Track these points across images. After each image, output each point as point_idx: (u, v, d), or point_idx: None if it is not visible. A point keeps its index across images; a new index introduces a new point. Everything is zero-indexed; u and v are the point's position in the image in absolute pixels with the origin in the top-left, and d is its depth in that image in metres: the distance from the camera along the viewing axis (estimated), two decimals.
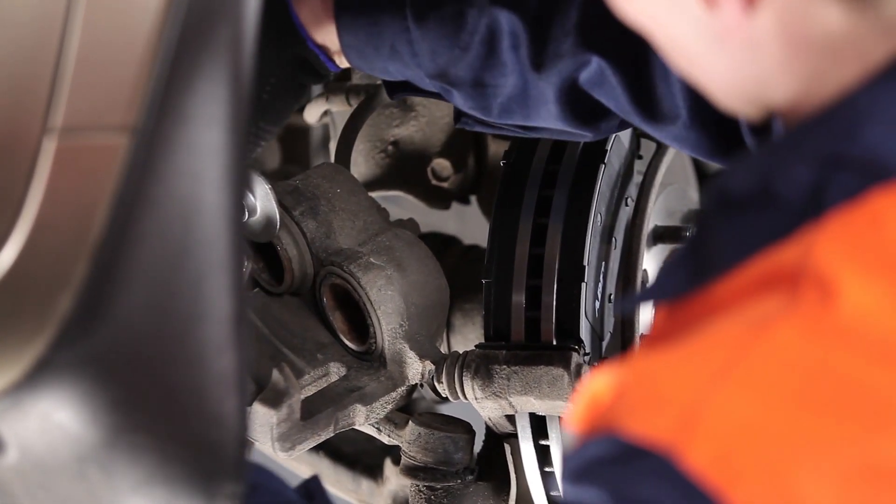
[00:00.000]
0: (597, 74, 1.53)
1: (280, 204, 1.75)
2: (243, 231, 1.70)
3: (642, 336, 1.82)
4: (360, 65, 1.60)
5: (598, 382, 0.97)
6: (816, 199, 0.96)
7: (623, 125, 1.62)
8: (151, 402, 1.17)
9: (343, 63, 1.62)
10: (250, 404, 1.61)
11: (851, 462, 0.89)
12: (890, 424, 0.90)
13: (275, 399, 1.62)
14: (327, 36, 1.59)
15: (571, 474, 0.94)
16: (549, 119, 1.59)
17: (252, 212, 1.73)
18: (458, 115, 1.66)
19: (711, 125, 1.53)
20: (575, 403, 0.99)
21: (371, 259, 1.74)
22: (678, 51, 1.07)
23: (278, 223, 1.72)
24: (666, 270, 1.06)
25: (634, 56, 1.52)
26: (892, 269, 0.93)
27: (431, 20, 1.55)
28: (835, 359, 0.91)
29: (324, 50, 1.60)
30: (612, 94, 1.54)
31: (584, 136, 1.63)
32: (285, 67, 1.59)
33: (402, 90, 1.65)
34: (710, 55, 1.03)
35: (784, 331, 0.91)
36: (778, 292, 0.93)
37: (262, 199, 1.72)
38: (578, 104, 1.56)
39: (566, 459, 0.95)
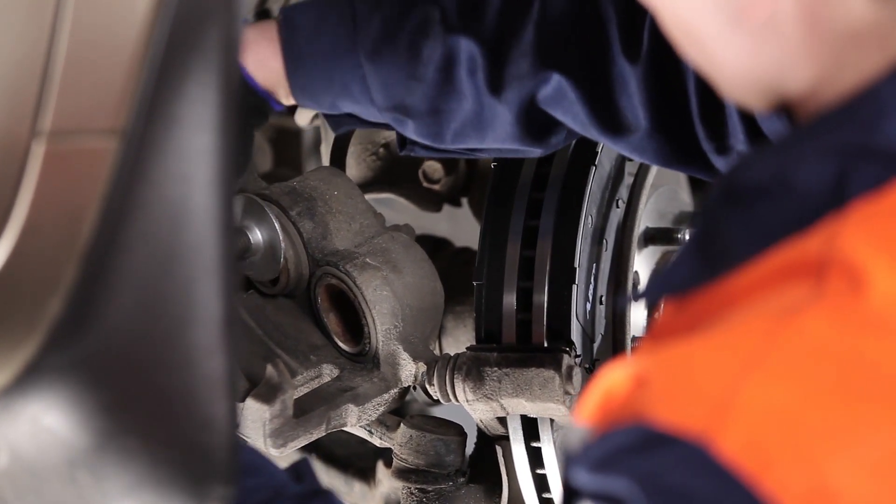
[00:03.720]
0: (556, 91, 1.53)
1: (277, 204, 1.75)
2: (239, 256, 1.70)
3: (634, 338, 1.82)
4: (307, 102, 1.60)
5: (612, 375, 0.96)
6: (839, 189, 0.95)
7: (569, 137, 1.62)
8: (141, 406, 1.17)
9: (288, 101, 1.61)
10: (243, 400, 1.61)
11: (884, 450, 0.88)
12: None
13: (268, 394, 1.62)
14: (276, 79, 1.59)
15: (593, 464, 0.93)
16: (503, 139, 1.59)
17: (256, 247, 1.73)
18: (403, 142, 1.65)
19: (673, 133, 1.54)
20: (586, 397, 0.98)
21: (367, 260, 1.74)
22: (689, 33, 1.05)
23: (282, 258, 1.72)
24: (671, 265, 1.05)
25: (592, 69, 1.52)
26: None
27: (385, 54, 1.55)
28: (867, 347, 0.90)
29: (271, 92, 1.60)
30: (571, 110, 1.54)
31: (534, 152, 1.63)
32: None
33: (346, 123, 1.65)
34: (725, 37, 1.02)
35: (814, 319, 0.91)
36: (802, 282, 0.92)
37: (268, 231, 1.72)
38: (534, 122, 1.57)
39: (585, 450, 0.94)
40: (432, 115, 1.57)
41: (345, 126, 1.67)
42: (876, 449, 0.88)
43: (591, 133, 1.57)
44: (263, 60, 1.58)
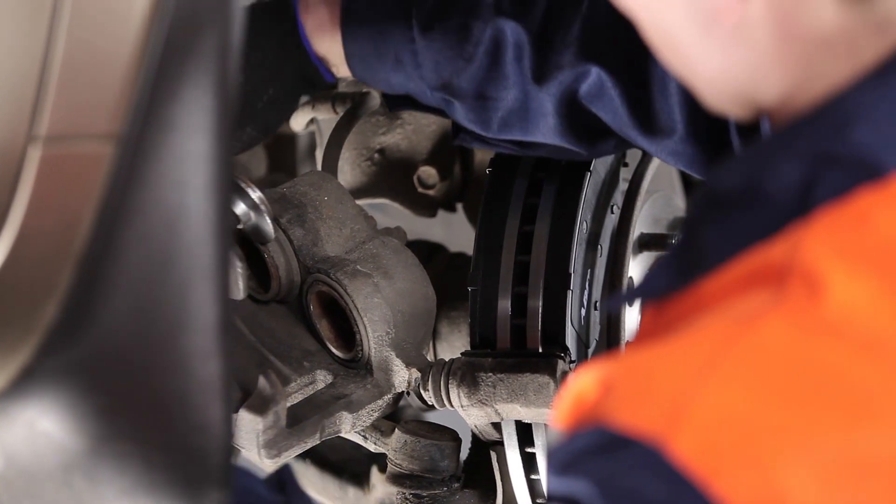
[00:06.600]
0: (596, 86, 1.54)
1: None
2: (231, 237, 1.70)
3: (628, 343, 1.83)
4: (363, 75, 1.61)
5: (583, 380, 0.97)
6: (805, 197, 0.96)
7: (619, 147, 1.63)
8: (136, 410, 1.17)
9: (341, 73, 1.62)
10: (236, 411, 1.61)
11: (834, 453, 0.89)
12: (873, 416, 0.90)
13: (261, 406, 1.62)
14: (329, 46, 1.60)
15: (558, 467, 0.94)
16: (547, 134, 1.60)
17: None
18: (457, 130, 1.67)
19: (707, 140, 1.54)
20: (560, 401, 0.99)
21: (358, 267, 1.74)
22: (667, 39, 1.06)
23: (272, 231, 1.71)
24: (653, 270, 1.06)
25: (634, 68, 1.53)
26: (879, 266, 0.93)
27: (437, 31, 1.56)
28: (820, 352, 0.91)
29: (323, 61, 1.61)
30: (611, 107, 1.54)
31: (580, 153, 1.63)
32: (285, 79, 1.59)
33: (403, 104, 1.66)
34: (700, 43, 1.03)
35: (771, 325, 0.92)
36: (765, 288, 0.93)
37: (252, 208, 1.71)
38: (577, 119, 1.57)
39: (553, 453, 0.96)
40: (479, 99, 1.59)
41: (401, 107, 1.69)
42: (825, 453, 0.89)
43: (629, 134, 1.57)
44: (321, 26, 1.58)
